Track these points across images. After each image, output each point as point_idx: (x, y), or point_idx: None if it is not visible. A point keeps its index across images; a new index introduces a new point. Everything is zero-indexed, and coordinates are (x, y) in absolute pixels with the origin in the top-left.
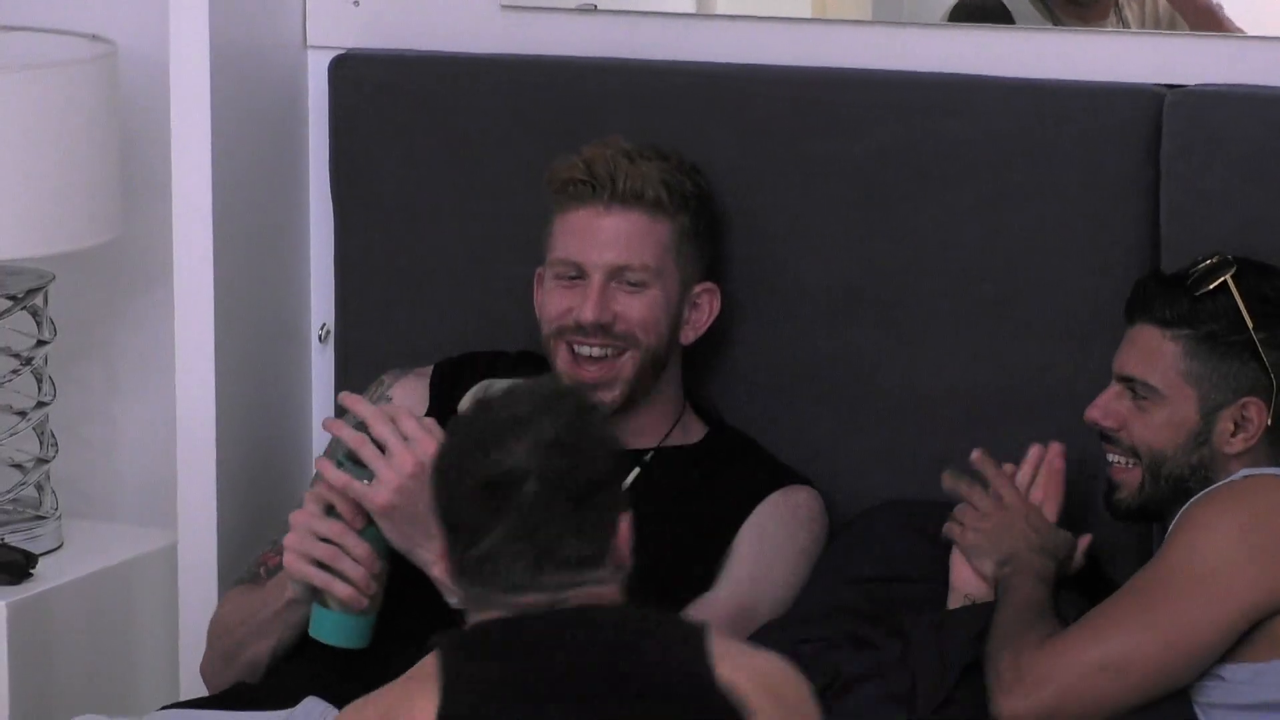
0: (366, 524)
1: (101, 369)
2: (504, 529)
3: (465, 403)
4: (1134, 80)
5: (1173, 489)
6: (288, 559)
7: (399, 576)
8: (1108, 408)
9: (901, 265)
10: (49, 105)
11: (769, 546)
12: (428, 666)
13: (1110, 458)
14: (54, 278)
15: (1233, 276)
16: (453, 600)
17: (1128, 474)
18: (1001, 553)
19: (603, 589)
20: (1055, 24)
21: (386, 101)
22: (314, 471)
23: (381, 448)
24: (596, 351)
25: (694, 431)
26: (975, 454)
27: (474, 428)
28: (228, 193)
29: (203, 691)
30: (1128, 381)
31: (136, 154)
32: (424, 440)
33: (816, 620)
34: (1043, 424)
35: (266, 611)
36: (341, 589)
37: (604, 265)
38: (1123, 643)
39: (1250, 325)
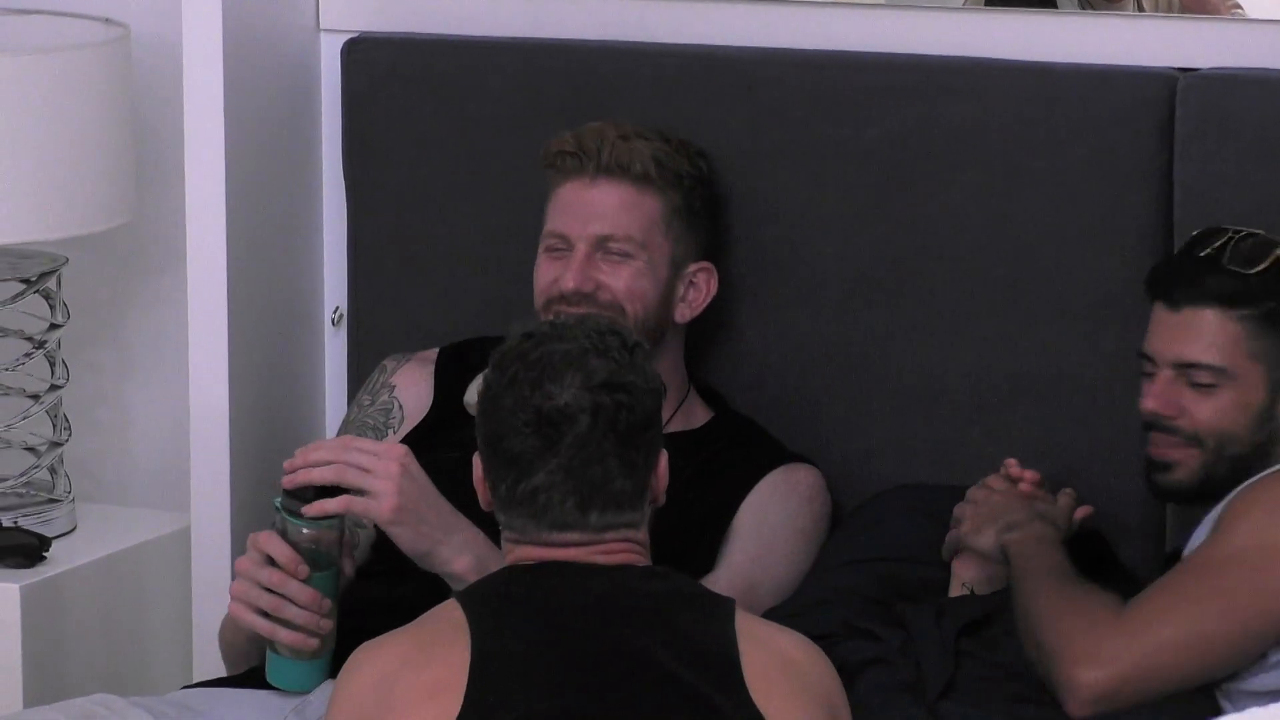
0: (310, 571)
1: (114, 352)
2: (557, 463)
3: (472, 393)
4: (1147, 63)
5: (1233, 469)
6: (233, 608)
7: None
8: (1165, 397)
9: (912, 250)
10: (62, 89)
11: (769, 525)
12: (453, 616)
13: (1161, 443)
14: (67, 261)
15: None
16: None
17: (1184, 452)
18: (1002, 520)
19: (636, 533)
20: (1081, 7)
21: (400, 85)
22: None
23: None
24: None
25: (697, 416)
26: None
27: (527, 359)
28: (241, 176)
29: (214, 675)
30: (1187, 368)
31: (149, 137)
32: (391, 446)
33: (816, 608)
34: (1054, 409)
35: (241, 639)
36: (286, 635)
37: (588, 236)
38: (1202, 620)
39: None
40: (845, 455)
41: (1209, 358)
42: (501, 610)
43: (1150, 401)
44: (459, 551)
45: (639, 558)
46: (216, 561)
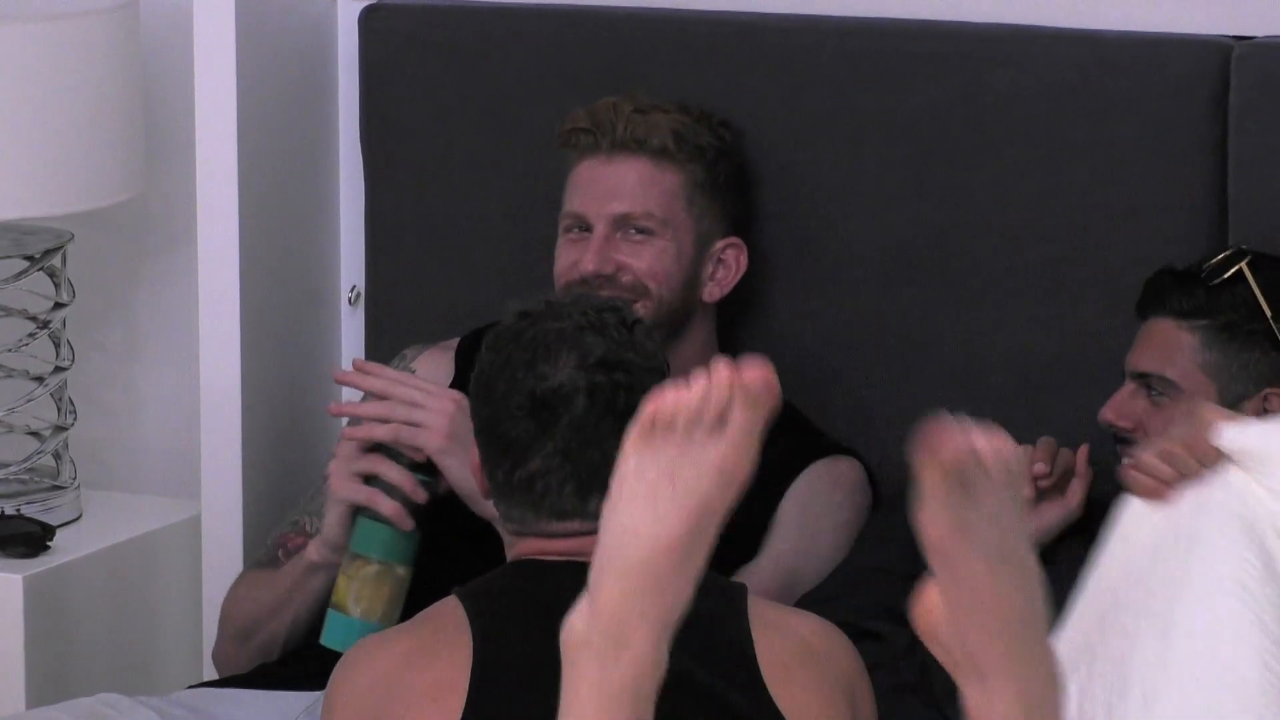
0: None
1: (122, 333)
2: (552, 447)
3: None
4: (1200, 31)
5: None
6: (334, 481)
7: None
8: (1121, 408)
9: (954, 225)
10: (67, 57)
11: (813, 516)
12: (455, 614)
13: (1126, 459)
14: (72, 237)
15: (1248, 264)
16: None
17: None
18: None
19: None
20: None
21: (420, 53)
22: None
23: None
24: None
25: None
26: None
27: (520, 340)
28: (254, 149)
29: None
30: (1142, 378)
31: (159, 108)
32: (444, 389)
33: (832, 600)
34: (1100, 391)
35: (283, 584)
36: (388, 504)
37: (606, 215)
38: None
39: (1269, 314)
40: (884, 439)
41: (1158, 368)
42: (504, 609)
43: (1106, 411)
44: (479, 476)
45: None
46: (228, 551)
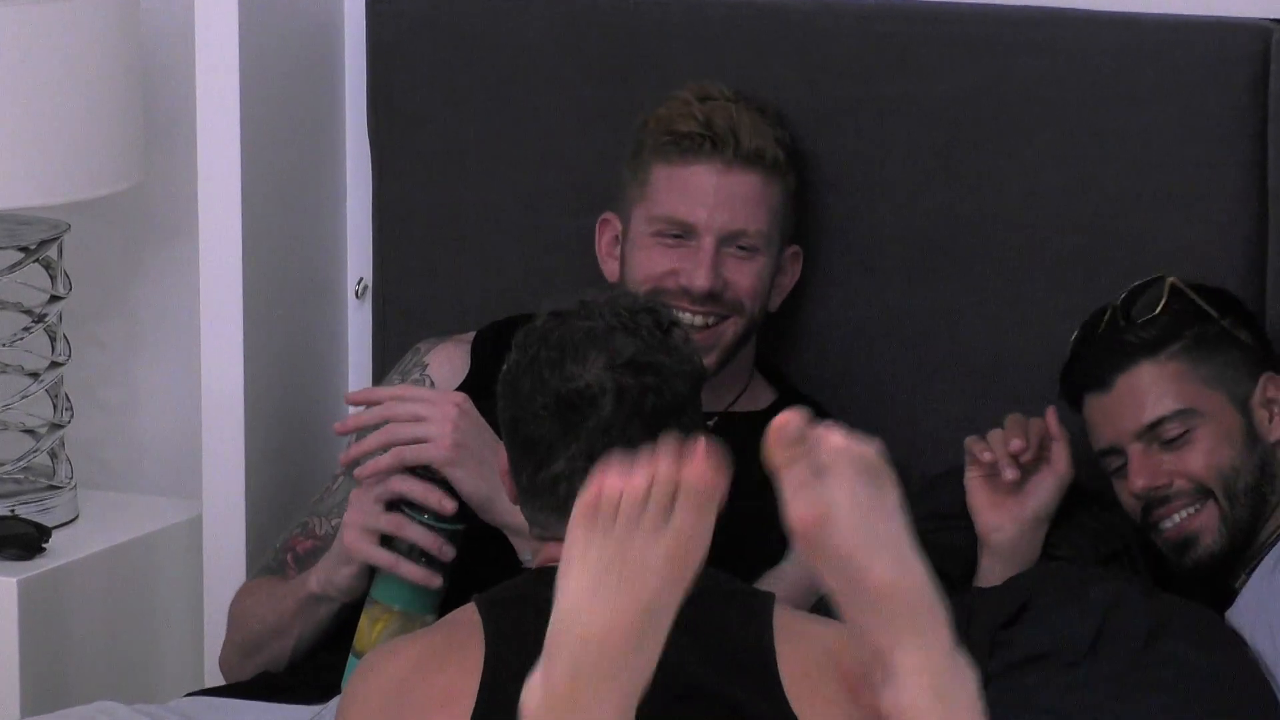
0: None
1: (120, 327)
2: (577, 449)
3: None
4: (1239, 14)
5: (1251, 503)
6: (349, 537)
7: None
8: (1148, 470)
9: (983, 216)
10: (64, 41)
11: None
12: (470, 619)
13: (1169, 521)
14: (69, 228)
15: (1170, 281)
16: (527, 558)
17: (1201, 518)
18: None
19: None
20: None
21: (430, 36)
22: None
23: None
24: (699, 320)
25: (762, 396)
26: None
27: (549, 339)
28: (257, 136)
29: None
30: (1151, 430)
31: (159, 94)
32: (446, 393)
33: None
34: None
35: (288, 605)
36: (413, 570)
37: (718, 229)
38: None
39: (1214, 314)
40: (912, 438)
41: (1166, 408)
42: (519, 615)
43: (1139, 481)
44: (505, 477)
45: None
46: (230, 553)
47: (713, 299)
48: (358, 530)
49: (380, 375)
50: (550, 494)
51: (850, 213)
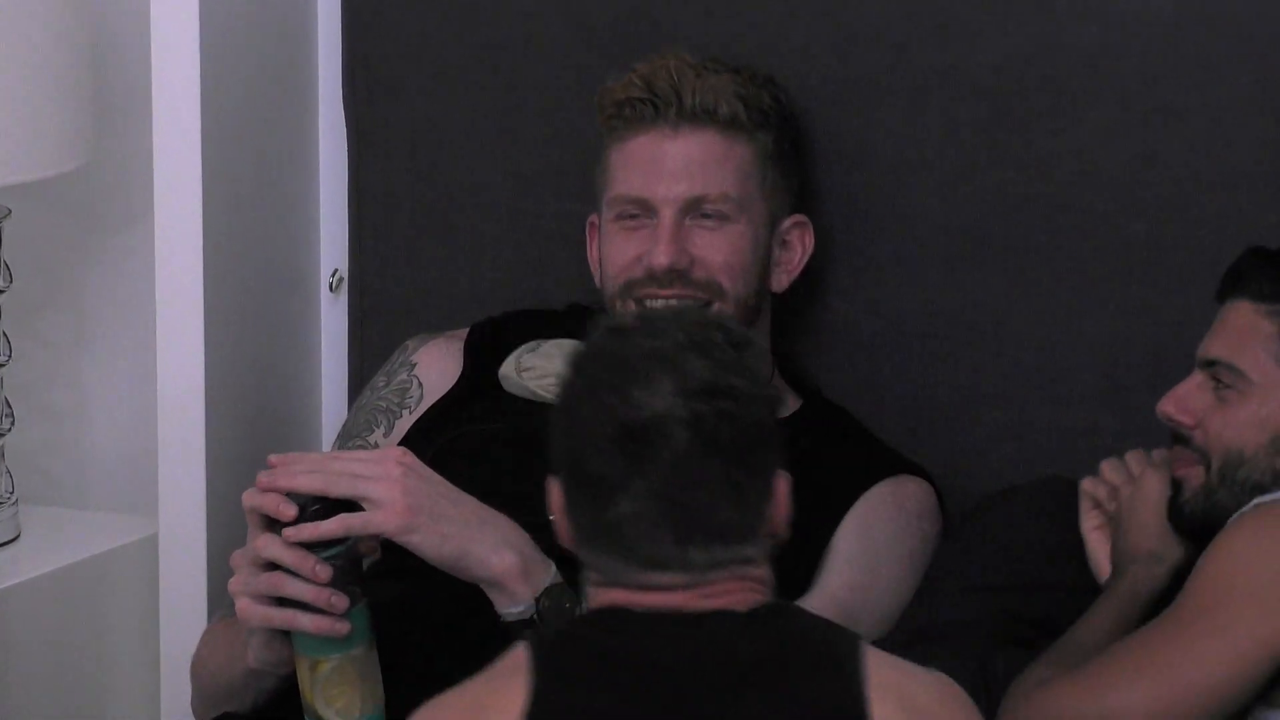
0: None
1: (67, 323)
2: (646, 486)
3: (507, 367)
4: None
5: (1238, 498)
6: (240, 607)
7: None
8: (1184, 401)
9: (1033, 200)
10: (6, 8)
11: (874, 548)
12: (516, 664)
13: (1178, 455)
14: (10, 213)
15: None
16: (511, 611)
17: (1189, 470)
18: (1116, 550)
19: (751, 570)
20: None
21: (412, 3)
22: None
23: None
24: (674, 303)
25: (786, 403)
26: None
27: (609, 360)
28: (220, 110)
29: (184, 711)
30: (1210, 366)
31: (109, 63)
32: (385, 449)
33: (914, 645)
34: None
35: (237, 673)
36: (311, 621)
37: (675, 198)
38: (1123, 696)
39: None
40: (953, 447)
41: (1228, 356)
42: (571, 660)
43: (1165, 403)
44: (496, 548)
45: (757, 598)
46: (189, 576)
47: (680, 278)
48: (244, 598)
49: (357, 377)
50: (615, 537)
51: (883, 197)
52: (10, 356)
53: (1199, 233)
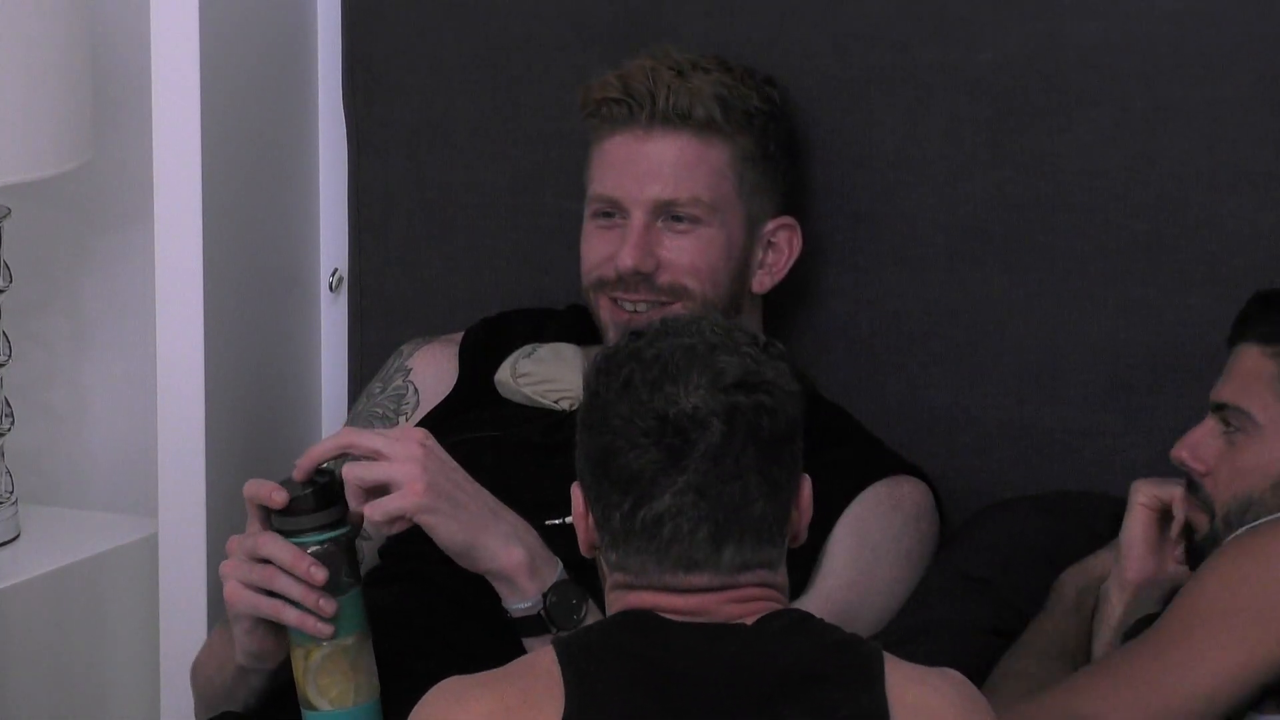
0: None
1: (66, 323)
2: (685, 481)
3: (503, 373)
4: None
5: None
6: (229, 591)
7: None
8: (1197, 448)
9: (1034, 198)
10: (6, 8)
11: (870, 547)
12: (547, 670)
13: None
14: (9, 212)
15: None
16: (518, 607)
17: (1197, 517)
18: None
19: (774, 575)
20: None
21: (412, 3)
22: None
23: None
24: (642, 307)
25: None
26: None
27: (640, 359)
28: (219, 109)
29: (184, 711)
30: (1220, 410)
31: (110, 64)
32: (406, 429)
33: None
34: (1204, 392)
35: (228, 675)
36: (295, 616)
37: (645, 201)
38: (1103, 710)
39: None
40: (952, 448)
41: (1235, 399)
42: (606, 668)
43: (1180, 449)
44: (506, 542)
45: (777, 607)
46: (188, 576)
47: (645, 282)
48: (234, 582)
49: (356, 377)
50: (652, 534)
51: (883, 196)
52: (10, 356)
53: (1199, 233)
